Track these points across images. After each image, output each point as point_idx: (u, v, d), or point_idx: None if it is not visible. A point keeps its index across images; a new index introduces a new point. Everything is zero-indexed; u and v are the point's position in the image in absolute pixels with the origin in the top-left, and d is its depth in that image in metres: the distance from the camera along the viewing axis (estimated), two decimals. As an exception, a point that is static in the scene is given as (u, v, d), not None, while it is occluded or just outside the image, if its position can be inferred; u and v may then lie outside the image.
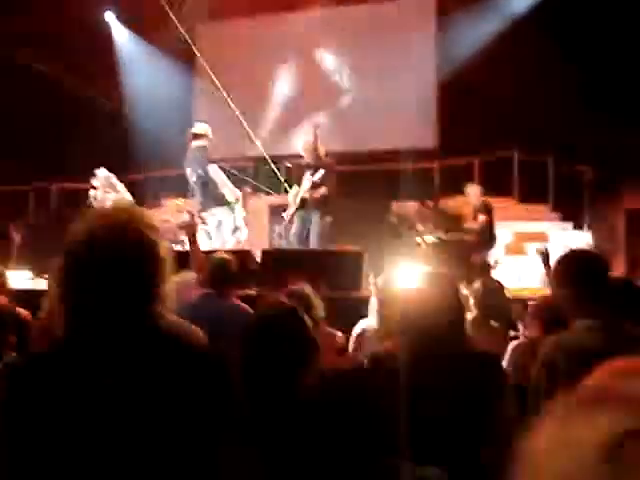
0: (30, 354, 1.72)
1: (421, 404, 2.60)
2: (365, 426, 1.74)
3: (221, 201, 8.83)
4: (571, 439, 0.52)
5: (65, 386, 1.55)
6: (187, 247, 9.52)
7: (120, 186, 9.66)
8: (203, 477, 1.62)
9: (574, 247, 3.23)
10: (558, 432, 0.53)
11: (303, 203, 8.62)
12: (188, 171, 8.81)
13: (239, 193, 9.14)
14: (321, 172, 8.52)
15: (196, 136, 8.85)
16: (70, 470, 1.53)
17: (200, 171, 8.67)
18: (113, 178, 9.69)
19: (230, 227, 8.92)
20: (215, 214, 8.87)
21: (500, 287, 4.51)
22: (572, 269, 2.75)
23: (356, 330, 4.58)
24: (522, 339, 3.92)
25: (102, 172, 9.66)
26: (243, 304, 4.43)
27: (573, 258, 2.80)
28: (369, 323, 4.52)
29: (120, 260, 1.58)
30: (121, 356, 1.58)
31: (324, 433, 1.74)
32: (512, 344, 3.80)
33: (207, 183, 8.72)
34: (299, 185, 8.78)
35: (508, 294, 4.85)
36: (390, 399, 1.83)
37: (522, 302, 5.30)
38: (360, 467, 1.75)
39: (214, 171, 8.80)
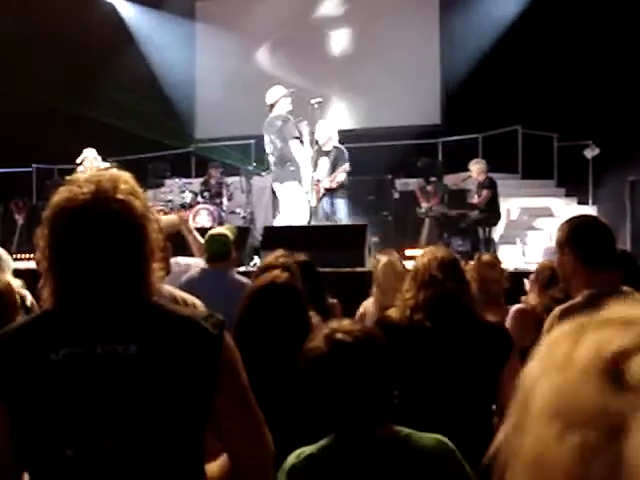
0: (15, 324, 1.68)
1: (425, 371, 2.61)
2: (371, 389, 1.72)
3: (297, 177, 7.99)
4: (567, 359, 0.49)
5: (48, 353, 1.52)
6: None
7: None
8: (197, 449, 1.59)
9: (578, 214, 3.20)
10: (553, 353, 0.51)
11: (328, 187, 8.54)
12: (266, 139, 8.03)
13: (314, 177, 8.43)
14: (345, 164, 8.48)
15: (272, 106, 8.01)
16: (54, 443, 1.51)
17: (279, 143, 7.87)
18: (99, 159, 9.53)
19: (298, 205, 8.13)
20: (289, 187, 8.08)
21: (497, 261, 4.47)
22: (574, 234, 2.71)
23: (360, 310, 4.53)
24: (522, 304, 3.93)
25: (89, 152, 9.54)
26: (241, 277, 4.41)
27: (575, 223, 2.77)
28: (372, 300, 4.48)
29: (102, 229, 1.53)
30: (108, 325, 1.55)
31: (327, 395, 1.72)
32: (513, 309, 3.81)
33: (284, 157, 7.88)
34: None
35: (506, 268, 4.79)
36: (394, 365, 1.81)
37: (524, 276, 5.26)
38: (363, 431, 1.73)
39: (295, 147, 7.93)
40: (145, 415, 1.52)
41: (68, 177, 1.61)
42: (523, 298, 4.19)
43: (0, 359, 1.54)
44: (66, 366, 1.51)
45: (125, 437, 1.51)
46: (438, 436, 1.81)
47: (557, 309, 2.68)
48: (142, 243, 1.58)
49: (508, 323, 3.60)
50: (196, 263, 4.67)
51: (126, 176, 1.63)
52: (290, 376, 1.93)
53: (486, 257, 4.51)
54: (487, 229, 9.52)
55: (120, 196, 1.55)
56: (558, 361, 0.50)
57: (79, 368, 1.51)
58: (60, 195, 1.58)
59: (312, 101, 8.40)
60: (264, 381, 1.94)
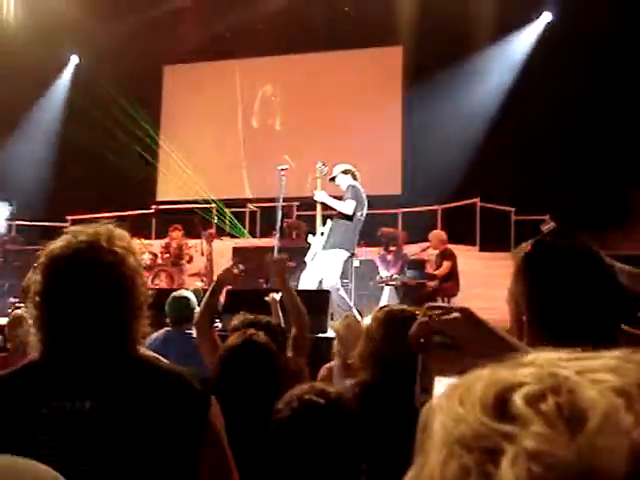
0: (1, 374, 1.64)
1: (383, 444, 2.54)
2: (338, 455, 1.69)
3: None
4: (465, 393, 0.52)
5: (38, 406, 1.49)
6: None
7: None
8: None
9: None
10: (457, 391, 0.53)
11: None
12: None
13: None
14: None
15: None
16: None
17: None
18: None
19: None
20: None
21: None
22: None
23: (321, 372, 4.50)
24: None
25: None
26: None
27: None
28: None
29: (94, 279, 1.53)
30: (94, 379, 1.52)
31: (294, 457, 1.69)
32: None
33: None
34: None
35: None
36: (365, 433, 1.78)
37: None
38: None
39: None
40: (132, 474, 1.47)
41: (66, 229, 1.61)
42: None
43: None
44: (54, 420, 1.48)
45: None
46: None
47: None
48: (132, 298, 1.57)
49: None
50: None
51: (122, 232, 1.64)
52: (261, 438, 1.89)
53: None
54: (446, 299, 9.58)
55: (115, 249, 1.56)
56: (459, 396, 0.52)
57: (67, 423, 1.48)
58: (56, 243, 1.58)
59: (278, 167, 8.42)
60: (235, 442, 1.90)
